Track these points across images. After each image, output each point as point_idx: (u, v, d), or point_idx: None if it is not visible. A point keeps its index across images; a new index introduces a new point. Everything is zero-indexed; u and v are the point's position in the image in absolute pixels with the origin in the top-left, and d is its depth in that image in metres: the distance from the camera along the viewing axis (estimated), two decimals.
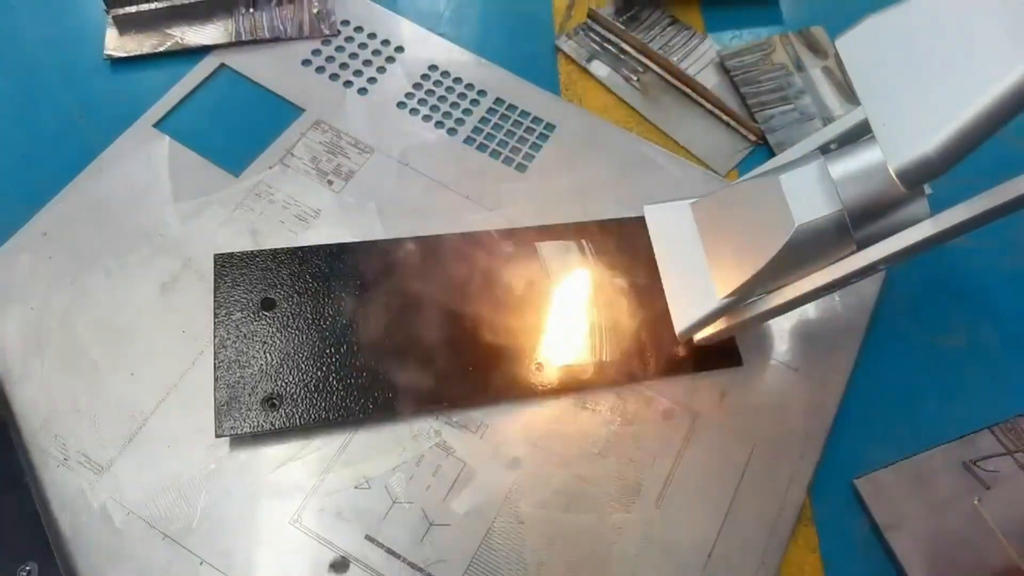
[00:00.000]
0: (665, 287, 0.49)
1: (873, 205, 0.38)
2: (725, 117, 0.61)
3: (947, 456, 0.49)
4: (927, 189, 0.39)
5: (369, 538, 0.43)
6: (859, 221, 0.38)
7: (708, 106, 0.61)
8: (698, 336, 0.47)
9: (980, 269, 0.58)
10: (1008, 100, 0.29)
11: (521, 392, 0.48)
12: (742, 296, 0.43)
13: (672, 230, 0.49)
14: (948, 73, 0.31)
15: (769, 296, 0.43)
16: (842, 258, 0.39)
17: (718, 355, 0.50)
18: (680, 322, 0.47)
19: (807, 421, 0.49)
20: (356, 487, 0.45)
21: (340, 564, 0.42)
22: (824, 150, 0.40)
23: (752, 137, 0.60)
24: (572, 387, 0.48)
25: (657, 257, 0.50)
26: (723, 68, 0.63)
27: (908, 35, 0.33)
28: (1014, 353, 0.54)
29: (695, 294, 0.45)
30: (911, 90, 0.32)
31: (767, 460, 0.48)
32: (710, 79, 0.63)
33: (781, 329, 0.52)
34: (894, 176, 0.32)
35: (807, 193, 0.38)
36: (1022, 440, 0.50)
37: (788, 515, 0.46)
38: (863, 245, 0.38)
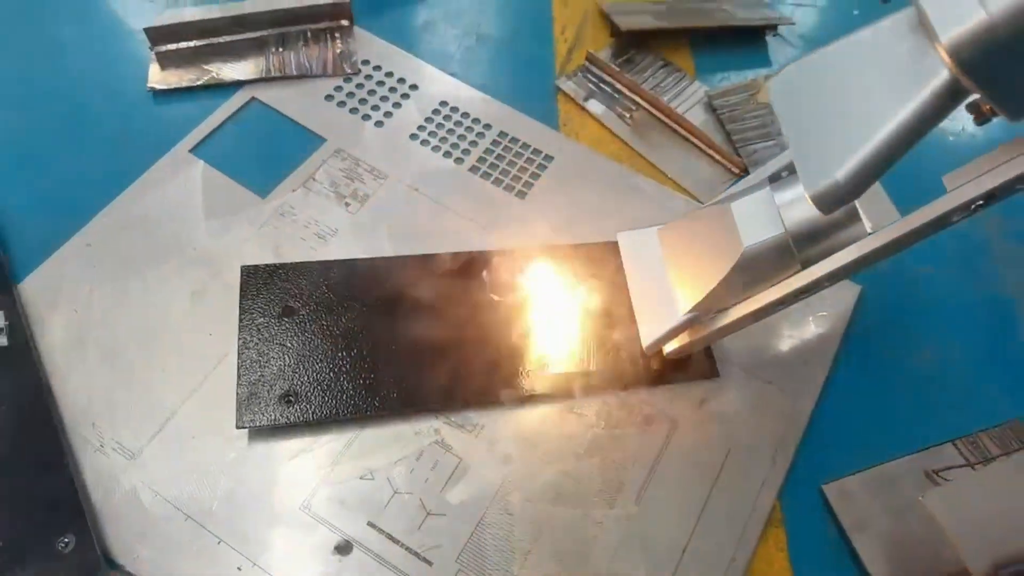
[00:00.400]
0: (634, 305, 0.53)
1: (813, 228, 0.41)
2: (711, 151, 0.66)
3: (911, 465, 0.53)
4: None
5: (371, 524, 0.47)
6: (802, 243, 0.42)
7: (695, 141, 0.66)
8: (666, 349, 0.51)
9: (947, 294, 0.62)
10: (894, 139, 0.33)
11: (514, 396, 0.52)
12: (701, 312, 0.47)
13: (641, 254, 0.52)
14: (851, 113, 0.35)
15: (726, 312, 0.46)
16: (788, 277, 0.43)
17: (697, 367, 0.54)
18: (647, 336, 0.51)
19: (779, 430, 0.53)
20: (361, 478, 0.49)
21: (344, 547, 0.47)
22: (775, 178, 0.44)
23: (736, 170, 0.65)
24: (561, 393, 0.53)
25: (627, 278, 0.53)
26: (711, 107, 0.69)
27: (821, 80, 0.37)
28: (977, 373, 0.58)
29: (660, 311, 0.49)
30: (823, 127, 0.36)
31: (740, 465, 0.51)
32: (698, 117, 0.68)
33: (757, 344, 0.56)
34: (810, 202, 0.36)
35: (754, 218, 0.42)
36: (982, 453, 0.54)
37: (759, 516, 0.50)
38: (808, 264, 0.42)
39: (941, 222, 0.37)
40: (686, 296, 0.47)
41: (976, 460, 0.53)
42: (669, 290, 0.49)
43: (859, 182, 0.34)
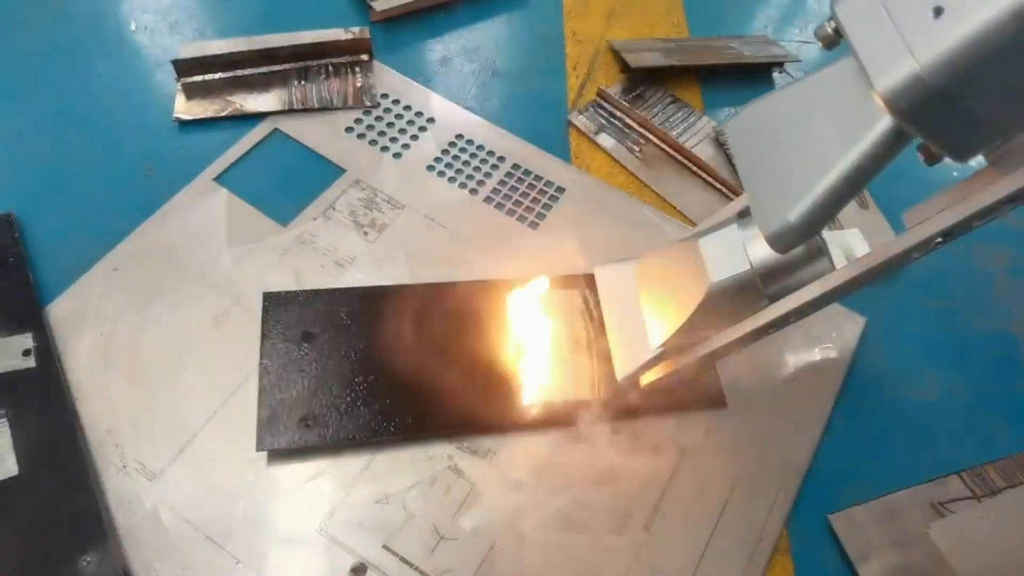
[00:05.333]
0: (609, 338, 0.53)
1: (778, 265, 0.42)
2: (718, 185, 0.67)
3: (917, 497, 0.54)
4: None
5: (386, 547, 0.48)
6: (768, 279, 0.43)
7: (703, 175, 0.68)
8: (643, 381, 0.51)
9: (953, 327, 0.63)
10: (843, 181, 0.34)
11: (526, 423, 0.53)
12: (672, 346, 0.48)
13: (617, 287, 0.53)
14: (802, 156, 0.36)
15: (698, 346, 0.47)
16: (756, 311, 0.43)
17: (705, 397, 0.56)
18: (621, 369, 0.51)
19: (786, 460, 0.54)
20: (376, 502, 0.50)
21: (360, 569, 0.47)
22: (743, 214, 0.45)
23: None
24: (571, 421, 0.54)
25: (603, 311, 0.54)
26: (718, 142, 0.70)
27: (774, 123, 0.38)
28: (983, 405, 0.59)
29: (634, 344, 0.50)
30: (776, 169, 0.37)
31: (748, 494, 0.52)
32: (706, 151, 0.70)
33: (765, 375, 0.58)
34: (766, 242, 0.37)
35: (721, 255, 0.43)
36: (988, 486, 0.54)
37: (766, 545, 0.51)
38: (777, 299, 0.42)
39: (901, 258, 0.37)
40: (658, 330, 0.48)
41: (982, 492, 0.54)
42: (642, 324, 0.50)
43: (811, 223, 0.35)
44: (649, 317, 0.49)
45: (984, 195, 0.34)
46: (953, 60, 0.28)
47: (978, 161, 0.35)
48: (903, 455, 0.56)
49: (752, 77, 0.78)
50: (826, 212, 0.35)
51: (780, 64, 0.78)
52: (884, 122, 0.32)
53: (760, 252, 0.42)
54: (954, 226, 0.35)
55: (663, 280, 0.49)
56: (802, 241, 0.37)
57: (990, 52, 0.27)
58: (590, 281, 0.59)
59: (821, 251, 0.42)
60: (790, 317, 0.42)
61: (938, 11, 0.28)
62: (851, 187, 0.34)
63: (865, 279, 0.39)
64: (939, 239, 0.36)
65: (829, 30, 0.34)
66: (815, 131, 0.35)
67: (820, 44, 0.34)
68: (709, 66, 0.76)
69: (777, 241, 0.37)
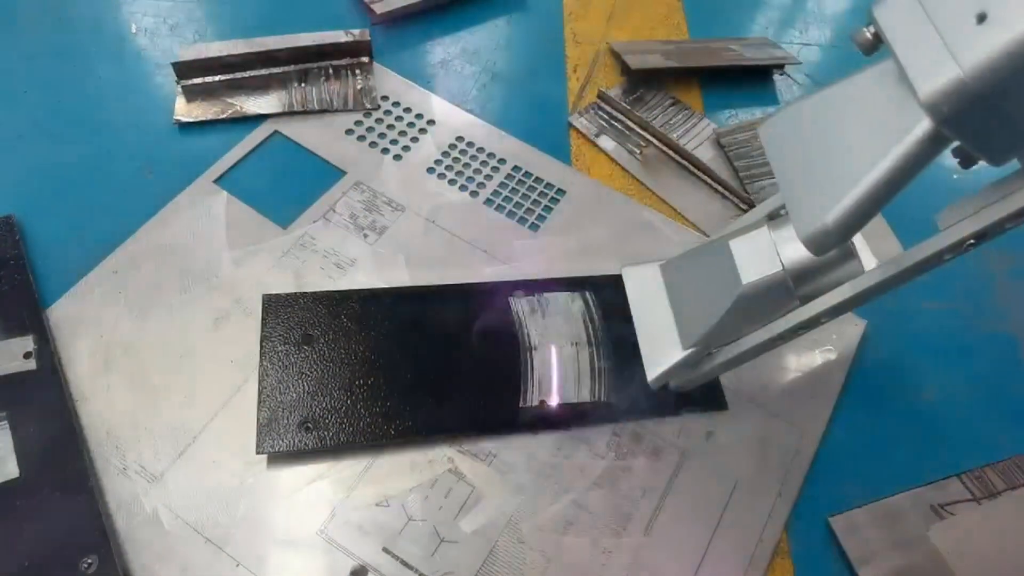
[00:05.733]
0: (639, 339, 0.52)
1: (809, 267, 0.43)
2: (718, 187, 0.67)
3: (917, 499, 0.53)
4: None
5: (386, 550, 0.48)
6: (799, 280, 0.43)
7: (703, 177, 0.68)
8: (672, 383, 0.52)
9: (952, 330, 0.63)
10: (881, 185, 0.34)
11: (526, 426, 0.53)
12: (703, 347, 0.48)
13: (645, 288, 0.53)
14: (839, 159, 0.36)
15: (728, 347, 0.48)
16: (787, 312, 0.44)
17: (705, 399, 0.56)
18: (652, 371, 0.51)
19: (786, 463, 0.54)
20: (377, 504, 0.50)
21: (360, 571, 0.47)
22: (773, 216, 0.45)
23: (743, 205, 0.66)
24: (572, 423, 0.54)
25: (632, 313, 0.53)
26: (719, 144, 0.71)
27: (810, 126, 0.38)
28: (983, 408, 0.59)
29: (664, 346, 0.50)
30: (813, 172, 0.37)
31: (748, 497, 0.52)
32: (707, 153, 0.70)
33: (766, 378, 0.58)
34: (803, 245, 0.37)
35: (753, 256, 0.44)
36: (988, 488, 0.54)
37: (766, 548, 0.51)
38: (807, 300, 0.43)
39: (933, 260, 0.38)
40: (688, 332, 0.48)
41: (982, 495, 0.54)
42: (672, 325, 0.50)
43: (848, 226, 0.35)
44: (678, 319, 0.50)
45: (1017, 198, 0.34)
46: (996, 66, 0.28)
47: (1011, 164, 0.35)
48: (903, 457, 0.56)
49: (753, 79, 0.78)
50: (863, 215, 0.35)
51: (781, 66, 0.78)
52: (923, 126, 0.32)
53: (791, 254, 0.43)
54: (988, 227, 0.35)
55: (692, 282, 0.49)
56: (839, 244, 0.37)
57: None
58: (590, 283, 0.59)
59: (852, 253, 0.42)
60: (821, 318, 0.42)
61: (981, 17, 0.28)
62: (889, 190, 0.34)
63: (896, 281, 0.39)
64: (972, 241, 0.36)
65: (868, 35, 0.34)
66: (852, 134, 0.35)
67: (859, 49, 0.34)
68: (710, 68, 0.76)
69: (814, 244, 0.37)
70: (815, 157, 0.37)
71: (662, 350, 0.50)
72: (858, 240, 0.45)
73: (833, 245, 0.37)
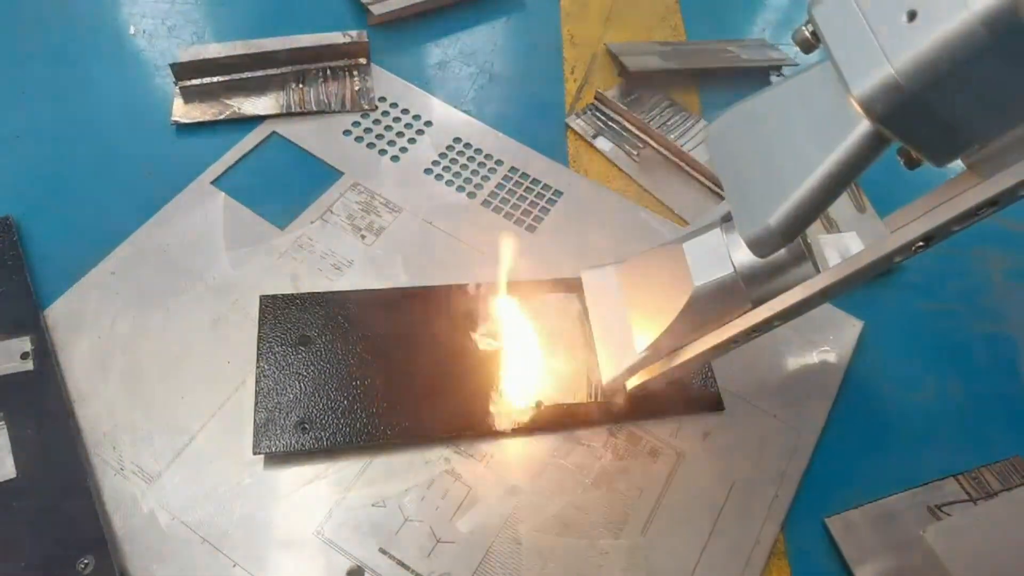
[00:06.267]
0: (595, 342, 0.52)
1: (761, 269, 0.42)
2: (715, 188, 0.68)
3: (914, 500, 0.54)
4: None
5: (383, 551, 0.48)
6: (751, 282, 0.43)
7: (700, 178, 0.68)
8: (628, 385, 0.51)
9: (949, 330, 0.63)
10: (823, 186, 0.33)
11: (523, 427, 0.53)
12: (657, 349, 0.47)
13: (603, 290, 0.53)
14: (781, 160, 0.35)
15: (683, 349, 0.47)
16: (739, 315, 0.43)
17: (702, 401, 0.56)
18: (607, 374, 0.50)
19: (783, 464, 0.54)
20: (373, 505, 0.50)
21: (356, 572, 0.47)
22: (727, 218, 0.45)
23: None
24: (569, 424, 0.54)
25: (590, 314, 0.53)
26: None
27: (754, 127, 0.38)
28: (979, 409, 0.59)
29: (619, 348, 0.49)
30: (756, 173, 0.37)
31: (744, 497, 0.52)
32: (704, 155, 0.70)
33: (762, 379, 0.58)
34: (747, 247, 0.37)
35: (705, 258, 0.43)
36: (985, 489, 0.55)
37: (763, 548, 0.51)
38: (761, 302, 0.42)
39: (883, 262, 0.37)
40: (642, 334, 0.48)
41: (978, 495, 0.54)
42: (628, 327, 0.49)
43: (791, 227, 0.35)
44: (634, 320, 0.49)
45: (961, 200, 0.34)
46: (926, 65, 0.28)
47: (959, 164, 0.35)
48: (900, 458, 0.56)
49: (750, 81, 0.78)
50: (806, 216, 0.35)
51: (778, 68, 0.78)
52: (862, 126, 0.32)
53: (744, 256, 0.42)
54: (933, 231, 0.35)
55: (648, 283, 0.49)
56: (782, 245, 0.36)
57: (962, 58, 0.27)
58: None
59: (804, 255, 0.42)
60: (774, 320, 0.42)
61: (912, 15, 0.28)
62: (831, 191, 0.34)
63: (849, 283, 0.39)
64: (920, 243, 0.36)
65: (807, 33, 0.34)
66: (794, 135, 0.35)
67: (797, 48, 0.34)
68: (707, 70, 0.76)
69: (757, 246, 0.37)
70: (758, 159, 0.37)
71: (617, 353, 0.50)
72: (823, 240, 0.45)
73: (777, 247, 0.36)
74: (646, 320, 0.48)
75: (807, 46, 0.34)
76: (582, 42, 0.80)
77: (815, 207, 0.34)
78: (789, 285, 0.41)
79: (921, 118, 0.30)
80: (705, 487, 0.53)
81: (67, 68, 0.72)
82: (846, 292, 0.40)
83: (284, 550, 0.48)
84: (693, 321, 0.45)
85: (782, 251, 0.39)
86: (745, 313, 0.43)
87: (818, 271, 0.41)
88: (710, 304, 0.43)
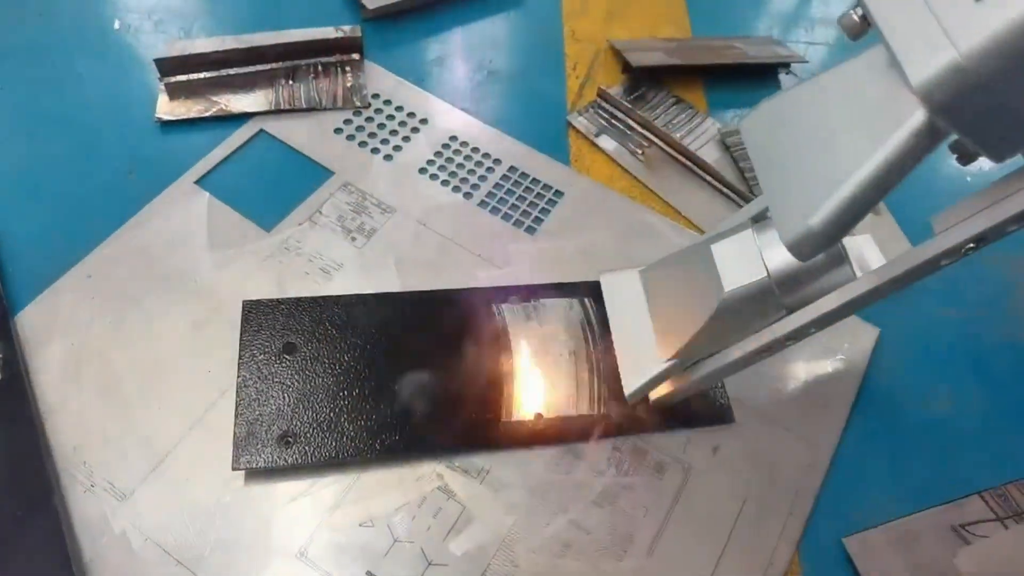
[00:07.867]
0: (616, 351, 0.50)
1: (797, 273, 0.39)
2: (723, 189, 0.65)
3: (937, 519, 0.50)
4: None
5: (370, 574, 0.45)
6: (786, 287, 0.40)
7: (708, 178, 0.65)
8: (652, 396, 0.49)
9: (969, 338, 0.60)
10: (871, 182, 0.31)
11: (521, 440, 0.50)
12: (683, 359, 0.45)
13: (624, 296, 0.50)
14: (825, 155, 0.33)
15: (711, 358, 0.44)
16: (773, 322, 0.41)
17: (712, 412, 0.53)
18: (629, 384, 0.48)
19: (797, 479, 0.51)
20: (361, 524, 0.47)
21: None
22: (759, 218, 0.42)
23: None
24: (570, 437, 0.51)
25: (610, 322, 0.51)
26: (724, 144, 0.68)
27: (794, 120, 0.35)
28: (1002, 420, 0.56)
29: (642, 357, 0.47)
30: (797, 170, 0.34)
31: (757, 516, 0.49)
32: (711, 154, 0.67)
33: (774, 389, 0.55)
34: (787, 249, 0.34)
35: (736, 262, 0.40)
36: (1012, 507, 0.51)
37: (776, 570, 0.47)
38: (795, 309, 0.40)
39: (929, 266, 0.35)
40: (667, 342, 0.45)
41: (1005, 514, 0.51)
42: (651, 335, 0.47)
43: (835, 229, 0.32)
44: (658, 328, 0.47)
45: (1021, 197, 0.31)
46: (997, 48, 0.25)
47: (1014, 161, 0.32)
48: (920, 474, 0.53)
49: (757, 78, 0.75)
50: (852, 217, 0.32)
51: (787, 65, 0.75)
52: (917, 117, 0.29)
53: (777, 259, 0.40)
54: (988, 231, 0.32)
55: (673, 289, 0.46)
56: (825, 248, 0.34)
57: None
58: (590, 289, 0.56)
59: (842, 258, 0.39)
60: (810, 328, 0.39)
61: None
62: (879, 189, 0.31)
63: (889, 288, 0.36)
64: (971, 245, 0.33)
65: (855, 17, 0.31)
66: (838, 129, 0.32)
67: (845, 33, 0.31)
68: (713, 66, 0.73)
69: (798, 248, 0.34)
70: (799, 154, 0.34)
71: (640, 362, 0.47)
72: (865, 241, 0.42)
73: (819, 250, 0.34)
74: (671, 328, 0.45)
75: (855, 31, 0.31)
76: (584, 38, 0.77)
77: (861, 207, 0.32)
78: (826, 290, 0.38)
79: (984, 108, 0.27)
80: (715, 505, 0.49)
81: (48, 63, 0.69)
82: (883, 298, 0.37)
83: (264, 574, 0.45)
84: (722, 329, 0.42)
85: (820, 254, 0.36)
86: (778, 320, 0.40)
87: (855, 275, 0.39)
88: (741, 311, 0.41)
